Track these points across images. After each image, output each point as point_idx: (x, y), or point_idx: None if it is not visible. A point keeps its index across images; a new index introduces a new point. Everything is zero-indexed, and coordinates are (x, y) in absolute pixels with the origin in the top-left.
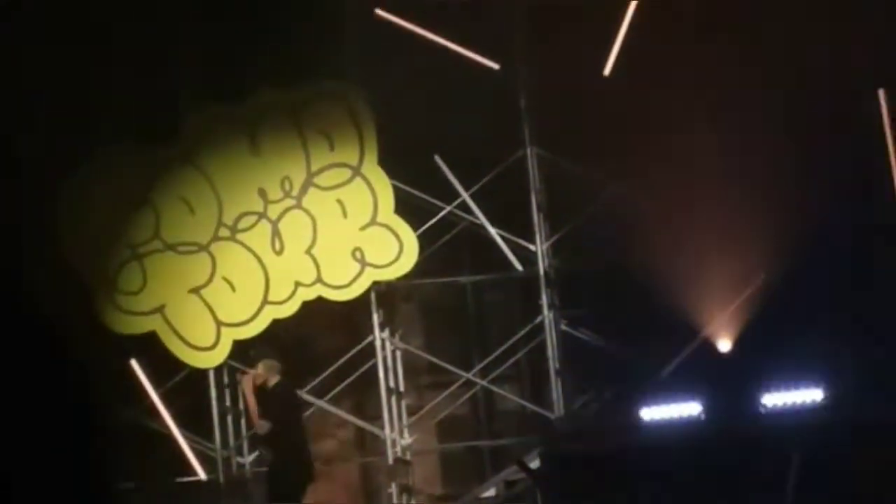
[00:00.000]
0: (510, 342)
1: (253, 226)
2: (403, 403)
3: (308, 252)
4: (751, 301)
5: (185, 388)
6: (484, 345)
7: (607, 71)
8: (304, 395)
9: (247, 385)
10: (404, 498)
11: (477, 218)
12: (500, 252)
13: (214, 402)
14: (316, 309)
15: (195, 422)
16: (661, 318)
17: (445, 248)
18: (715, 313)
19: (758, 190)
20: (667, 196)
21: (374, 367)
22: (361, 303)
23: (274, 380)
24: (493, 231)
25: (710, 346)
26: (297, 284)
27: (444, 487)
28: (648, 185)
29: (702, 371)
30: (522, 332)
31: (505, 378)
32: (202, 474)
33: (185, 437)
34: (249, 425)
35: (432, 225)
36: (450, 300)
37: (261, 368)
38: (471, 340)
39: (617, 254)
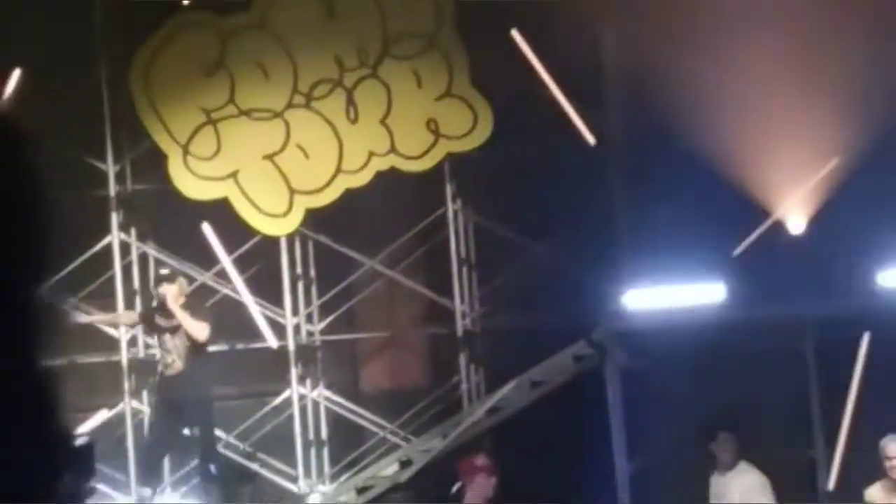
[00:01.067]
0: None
1: (328, 94)
2: (475, 276)
3: (382, 122)
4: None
5: (256, 254)
6: (555, 218)
7: None
8: (376, 264)
9: (172, 298)
10: (472, 370)
11: (551, 91)
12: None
13: (286, 270)
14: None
15: (265, 289)
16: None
17: (520, 120)
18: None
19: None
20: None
21: (447, 239)
22: (435, 173)
23: (181, 301)
24: (564, 102)
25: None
26: (371, 154)
27: (513, 361)
28: (719, 57)
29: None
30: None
31: (572, 250)
32: (273, 341)
33: (256, 304)
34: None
35: (509, 98)
36: (525, 172)
37: (179, 285)
38: (542, 213)
39: (684, 128)
